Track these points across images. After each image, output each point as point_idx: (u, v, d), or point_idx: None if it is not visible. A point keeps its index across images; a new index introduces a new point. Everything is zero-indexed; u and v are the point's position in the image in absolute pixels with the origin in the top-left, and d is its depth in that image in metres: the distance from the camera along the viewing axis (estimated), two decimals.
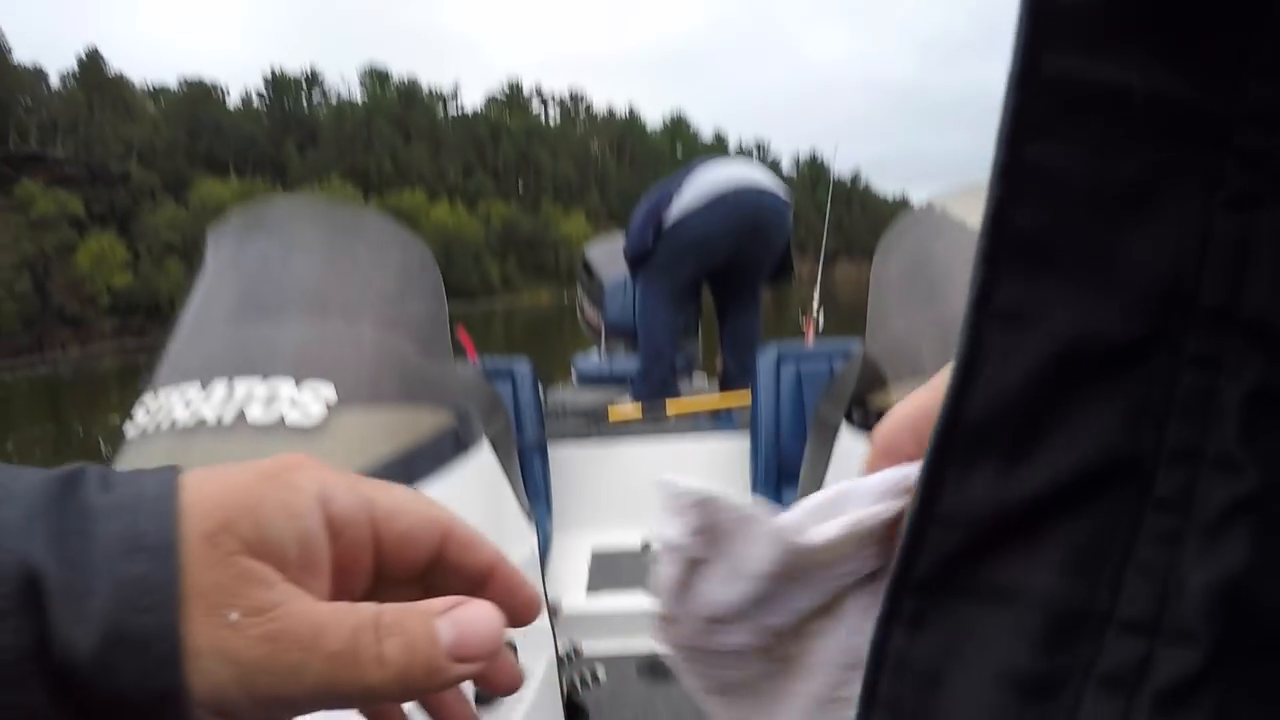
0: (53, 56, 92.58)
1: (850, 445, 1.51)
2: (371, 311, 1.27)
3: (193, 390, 1.07)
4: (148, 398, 1.11)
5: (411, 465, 1.11)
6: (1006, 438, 0.21)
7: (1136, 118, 0.19)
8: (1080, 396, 0.20)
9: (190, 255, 61.57)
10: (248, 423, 1.04)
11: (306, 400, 1.06)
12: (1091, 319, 0.20)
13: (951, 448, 0.21)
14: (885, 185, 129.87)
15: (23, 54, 64.74)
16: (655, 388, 3.37)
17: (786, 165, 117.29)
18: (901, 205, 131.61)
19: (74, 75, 66.12)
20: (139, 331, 53.82)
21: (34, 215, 51.11)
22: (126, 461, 1.06)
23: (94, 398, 20.98)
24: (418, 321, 1.35)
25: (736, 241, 3.20)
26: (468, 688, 0.79)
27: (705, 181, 3.14)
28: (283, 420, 1.04)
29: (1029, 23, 0.19)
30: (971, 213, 1.49)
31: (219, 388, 1.06)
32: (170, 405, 1.08)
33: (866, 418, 1.45)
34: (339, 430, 1.07)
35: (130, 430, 1.10)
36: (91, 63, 66.32)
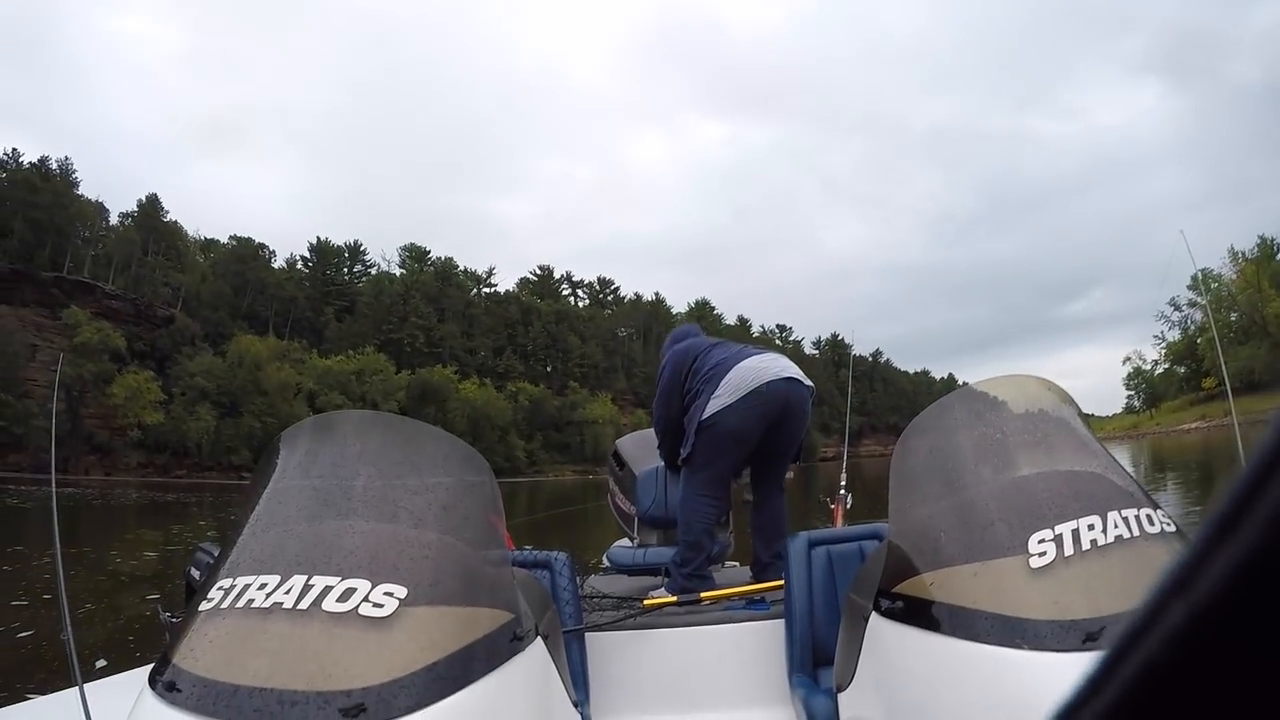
0: (116, 196, 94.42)
1: (881, 631, 1.57)
2: (440, 520, 1.37)
3: (271, 580, 1.15)
4: (223, 582, 1.18)
5: (472, 660, 1.20)
6: None
7: None
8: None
9: (221, 404, 61.27)
10: (323, 610, 1.11)
11: (380, 598, 1.15)
12: None
13: None
14: (905, 363, 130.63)
15: (89, 187, 64.73)
16: (692, 580, 3.30)
17: (808, 347, 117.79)
18: (922, 377, 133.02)
19: (132, 216, 66.96)
20: (163, 469, 53.00)
21: (77, 341, 50.04)
22: (199, 630, 1.13)
23: (112, 525, 21.09)
24: (478, 527, 1.45)
25: (768, 431, 3.28)
26: None
27: (741, 378, 3.22)
28: (356, 611, 1.12)
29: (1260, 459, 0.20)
30: (975, 407, 1.71)
31: (297, 581, 1.14)
32: (246, 590, 1.15)
33: (894, 604, 1.51)
34: (408, 624, 1.14)
35: (203, 605, 1.17)
36: (150, 207, 67.58)
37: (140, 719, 1.07)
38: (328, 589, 1.12)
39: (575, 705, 1.62)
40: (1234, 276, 69.27)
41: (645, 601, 3.04)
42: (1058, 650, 1.18)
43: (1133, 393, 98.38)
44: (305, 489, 1.37)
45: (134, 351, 55.99)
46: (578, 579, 2.78)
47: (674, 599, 3.07)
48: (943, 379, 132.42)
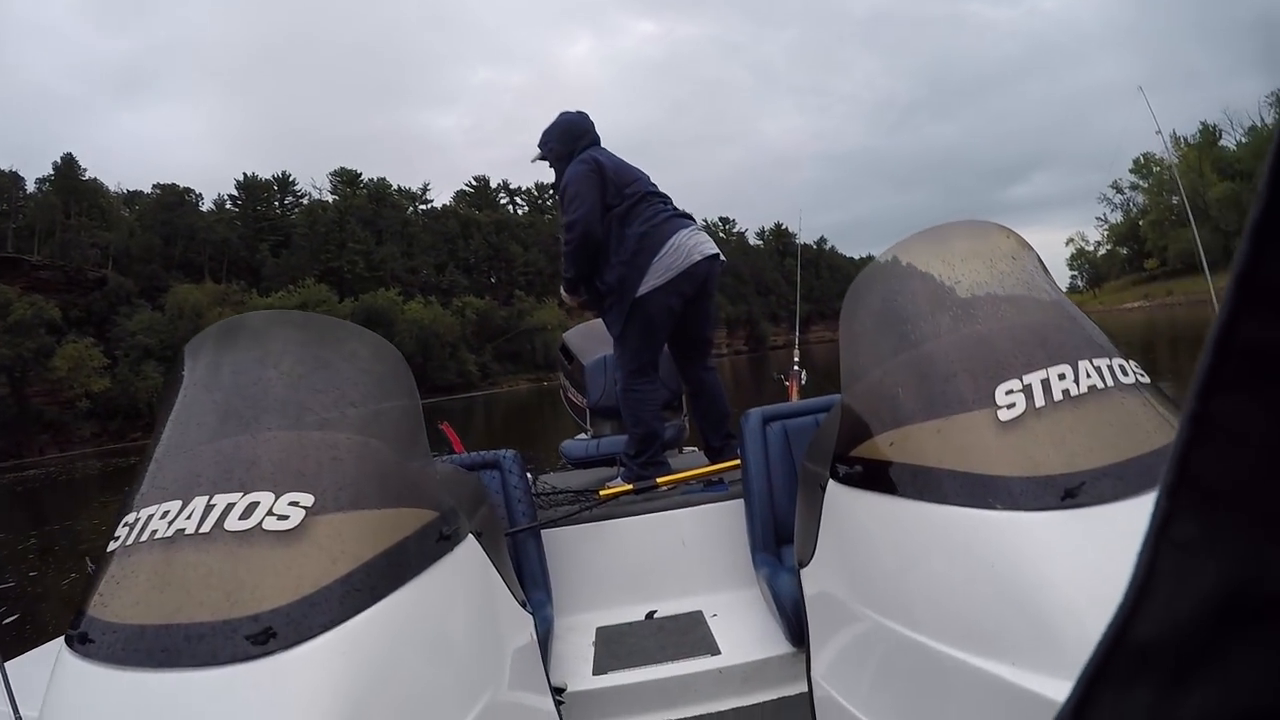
0: (29, 163, 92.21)
1: (840, 499, 1.48)
2: (347, 418, 1.30)
3: (173, 507, 1.09)
4: (129, 517, 1.12)
5: (392, 566, 1.11)
6: (1170, 662, 0.21)
7: None
8: (1246, 635, 0.20)
9: (166, 359, 61.25)
10: (225, 529, 1.04)
11: (284, 509, 1.07)
12: (1262, 564, 0.20)
13: (1114, 663, 0.22)
14: (851, 249, 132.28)
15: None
16: (647, 468, 3.34)
17: (752, 237, 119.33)
18: (868, 263, 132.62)
19: (49, 180, 65.78)
20: (118, 435, 53.17)
21: (11, 320, 50.09)
22: (109, 574, 1.07)
23: (76, 502, 20.74)
24: (393, 423, 1.38)
25: (687, 308, 3.32)
26: None
27: (675, 256, 3.20)
28: (260, 526, 1.05)
29: (1233, 293, 0.20)
30: (927, 257, 1.58)
31: (199, 503, 1.07)
32: (150, 521, 1.09)
33: (852, 470, 1.42)
34: (317, 535, 1.06)
35: (111, 545, 1.11)
36: (67, 168, 66.21)
37: (56, 682, 1.03)
38: (229, 507, 1.06)
39: (523, 605, 1.56)
40: (1176, 161, 71.59)
41: (601, 492, 3.04)
42: (1034, 509, 1.10)
43: (1076, 273, 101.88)
44: (206, 403, 1.29)
45: (70, 320, 55.67)
46: (530, 477, 2.80)
47: (630, 487, 3.07)
48: None
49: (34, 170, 73.23)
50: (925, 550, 1.24)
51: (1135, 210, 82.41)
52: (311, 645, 0.97)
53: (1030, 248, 1.55)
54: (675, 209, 3.38)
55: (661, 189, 3.45)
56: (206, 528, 1.04)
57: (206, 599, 0.99)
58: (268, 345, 1.40)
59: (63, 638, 1.07)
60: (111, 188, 73.57)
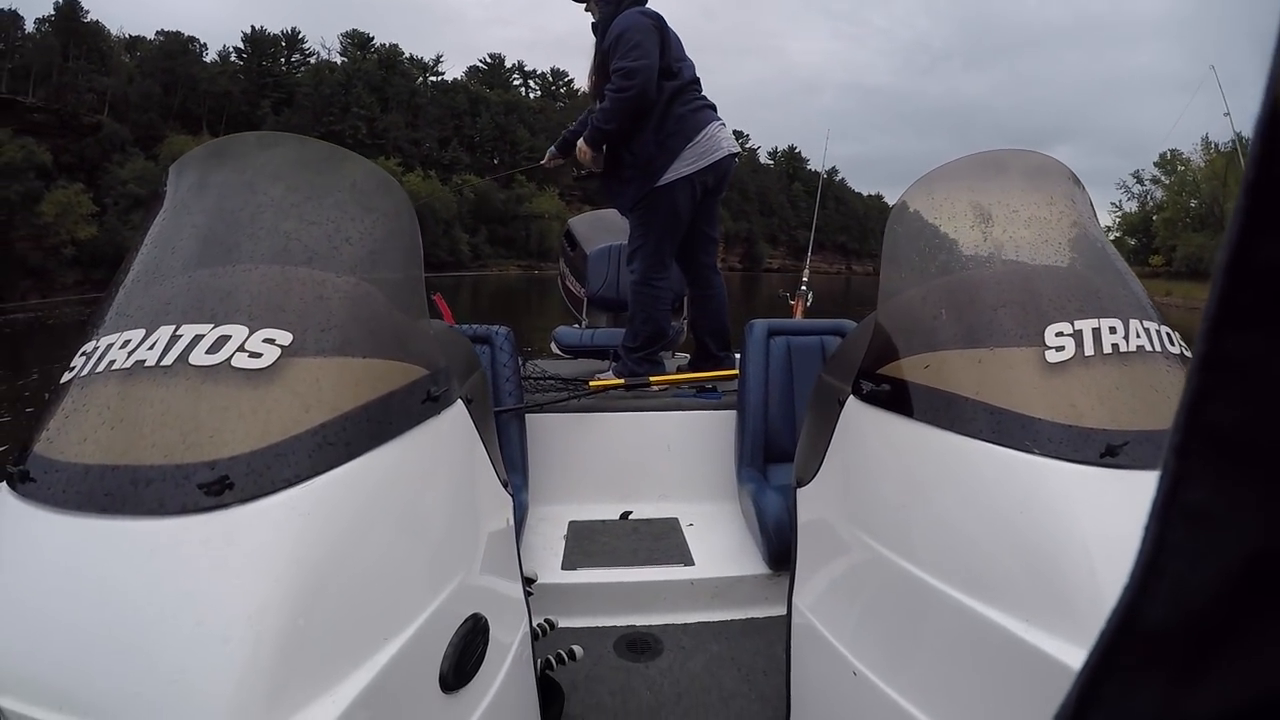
0: (29, 2, 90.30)
1: (858, 418, 1.38)
2: (339, 255, 1.17)
3: (135, 336, 0.99)
4: (87, 346, 1.03)
5: (375, 421, 1.01)
6: (1182, 651, 0.19)
7: None
8: (1267, 613, 0.18)
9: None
10: (189, 363, 0.94)
11: (258, 345, 0.97)
12: None
13: (1121, 654, 0.19)
14: (860, 185, 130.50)
15: None
16: (643, 365, 3.24)
17: (763, 156, 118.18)
18: (876, 201, 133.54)
19: (49, 21, 64.70)
20: (101, 285, 50.35)
21: (0, 162, 50.62)
22: (59, 407, 0.98)
23: (53, 347, 20.45)
24: (390, 267, 1.24)
25: (705, 199, 3.21)
26: (433, 671, 0.99)
27: (709, 145, 3.10)
28: (228, 363, 0.94)
29: (1246, 204, 0.17)
30: (983, 181, 1.47)
31: (164, 333, 0.97)
32: (109, 350, 0.99)
33: (878, 388, 1.32)
34: (291, 377, 0.96)
35: (65, 376, 1.01)
36: (68, 9, 64.94)
37: None
38: (197, 339, 0.95)
39: (504, 485, 1.42)
40: (1202, 165, 69.00)
41: (591, 383, 2.91)
42: (1071, 460, 1.02)
43: None
44: (185, 227, 1.16)
45: (61, 165, 55.46)
46: (519, 360, 2.70)
47: (621, 381, 2.94)
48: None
49: (35, 9, 72.01)
50: (944, 482, 1.16)
51: (1152, 204, 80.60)
52: (271, 501, 0.87)
53: (1086, 192, 1.46)
54: (708, 99, 3.25)
55: None
56: (169, 360, 0.94)
57: (160, 440, 0.88)
58: (260, 168, 1.28)
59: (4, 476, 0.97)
60: (114, 31, 72.24)
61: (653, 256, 3.19)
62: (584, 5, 3.31)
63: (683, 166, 3.07)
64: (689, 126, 3.09)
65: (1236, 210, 0.18)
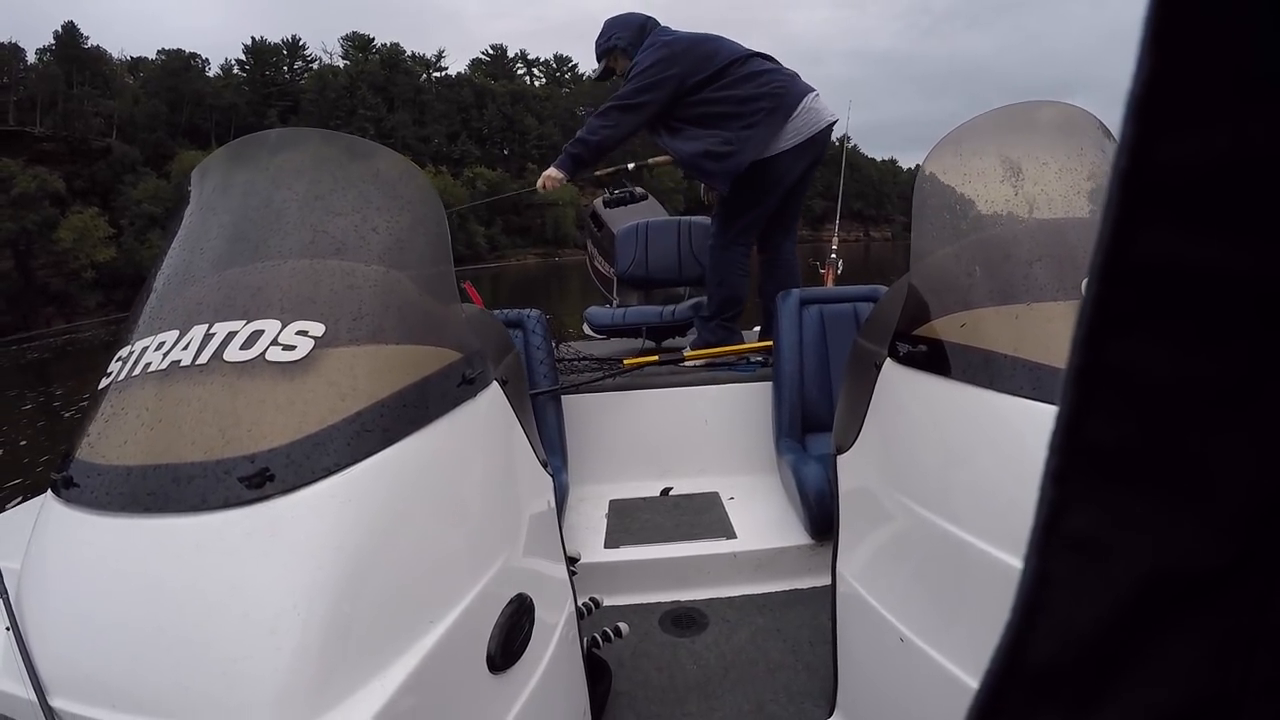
0: (29, 34, 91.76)
1: (896, 381, 1.37)
2: (367, 244, 1.16)
3: (170, 337, 0.99)
4: (122, 352, 1.04)
5: (411, 407, 1.00)
6: (1074, 687, 0.18)
7: (1243, 305, 0.16)
8: (1163, 633, 0.17)
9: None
10: (224, 360, 0.94)
11: (291, 338, 0.97)
12: (1179, 543, 0.17)
13: (1007, 697, 0.18)
14: (873, 150, 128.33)
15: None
16: (723, 332, 3.24)
17: None
18: (889, 166, 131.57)
19: (50, 50, 65.29)
20: (124, 305, 53.01)
21: (14, 193, 51.00)
22: (98, 412, 0.99)
23: (81, 369, 21.29)
24: (418, 254, 1.24)
25: (808, 171, 3.16)
26: (480, 652, 1.00)
27: (808, 120, 3.03)
28: (263, 357, 0.95)
29: (1120, 196, 0.16)
30: (1012, 134, 1.46)
31: (197, 333, 0.98)
32: (144, 354, 1.00)
33: (915, 349, 1.31)
34: (325, 368, 0.96)
35: (103, 382, 1.03)
36: (68, 36, 65.48)
37: (39, 529, 0.96)
38: (230, 336, 0.96)
39: (544, 465, 1.41)
40: None
41: (626, 362, 2.90)
42: None
43: None
44: (211, 228, 1.16)
45: (75, 191, 56.02)
46: (552, 342, 2.70)
47: (655, 359, 2.94)
48: (910, 170, 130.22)
49: (35, 41, 72.90)
50: (984, 442, 1.14)
51: None
52: (312, 490, 0.87)
53: (1115, 141, 1.00)
54: (786, 72, 3.14)
55: None
56: (204, 359, 0.95)
57: (199, 437, 0.89)
58: (282, 164, 1.27)
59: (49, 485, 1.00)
60: (115, 55, 73.14)
61: (740, 222, 3.13)
62: (610, 68, 3.32)
63: (786, 140, 2.99)
64: (786, 103, 3.01)
65: (1108, 204, 0.17)
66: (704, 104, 3.02)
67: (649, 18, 3.27)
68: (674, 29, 3.20)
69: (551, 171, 3.11)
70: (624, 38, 3.19)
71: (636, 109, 2.99)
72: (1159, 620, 0.17)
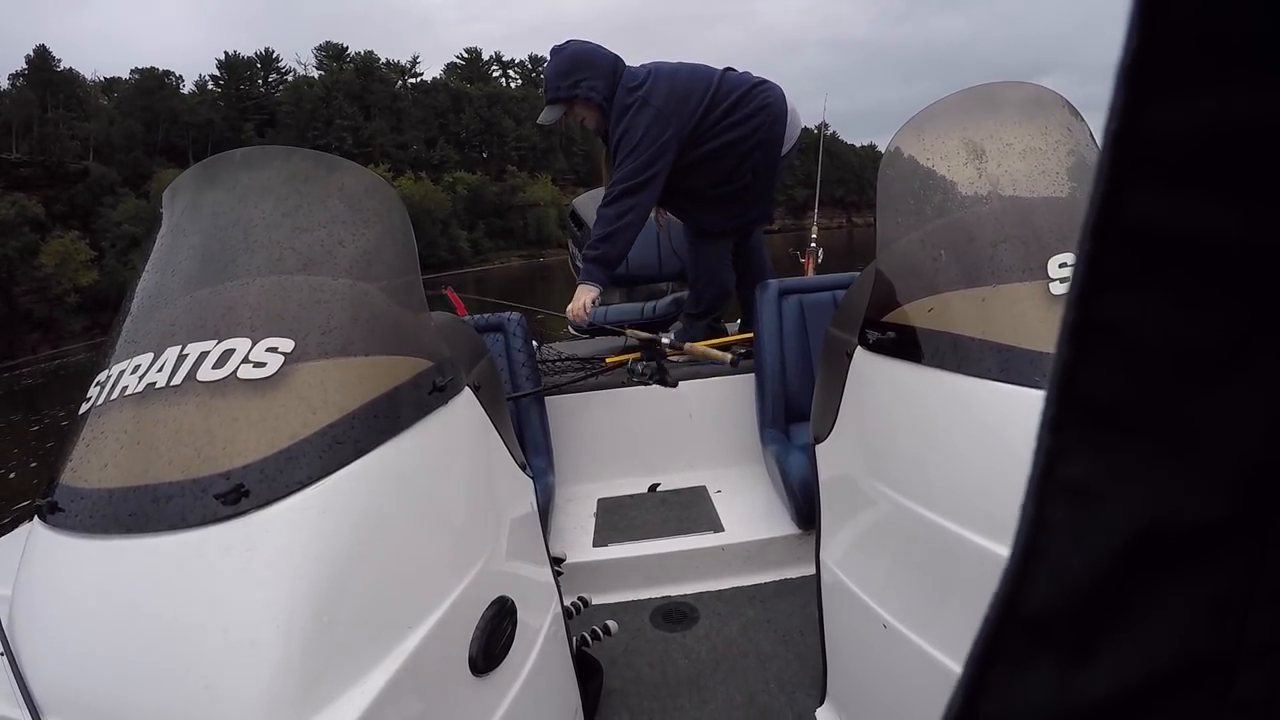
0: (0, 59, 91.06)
1: (867, 369, 1.38)
2: (334, 258, 1.18)
3: (144, 360, 1.02)
4: (100, 376, 1.06)
5: (382, 417, 1.02)
6: (1070, 632, 0.18)
7: (1231, 267, 0.16)
8: (1156, 585, 0.18)
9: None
10: (197, 380, 0.96)
11: (261, 355, 0.99)
12: (1171, 496, 0.17)
13: (1005, 641, 0.19)
14: (853, 136, 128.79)
15: None
16: (709, 332, 3.17)
17: None
18: (870, 151, 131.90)
19: (23, 74, 65.03)
20: (109, 327, 51.71)
21: None
22: (80, 437, 1.01)
23: (69, 392, 20.91)
24: (385, 265, 1.25)
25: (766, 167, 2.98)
26: (462, 655, 1.02)
27: (793, 127, 2.90)
28: (234, 375, 0.97)
29: (1111, 158, 0.17)
30: (975, 116, 1.44)
31: (171, 354, 1.00)
32: (121, 377, 1.02)
33: (884, 336, 1.32)
34: (295, 383, 0.98)
35: (83, 407, 1.05)
36: (40, 60, 65.21)
37: (27, 555, 0.98)
38: (203, 356, 0.98)
39: (523, 468, 1.42)
40: None
41: (608, 360, 2.85)
42: None
43: None
44: (181, 249, 1.18)
45: (54, 215, 55.61)
46: (534, 344, 2.70)
47: (637, 355, 2.76)
48: None
49: (6, 66, 72.53)
50: (956, 426, 1.15)
51: None
52: (287, 504, 0.89)
53: (1083, 119, 1.42)
54: (746, 80, 2.93)
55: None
56: (178, 380, 0.97)
57: (176, 457, 0.91)
58: (249, 183, 1.29)
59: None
60: (89, 76, 72.74)
61: (716, 218, 3.02)
62: (572, 117, 2.90)
63: (786, 145, 2.90)
64: (779, 111, 2.85)
65: (1100, 164, 0.17)
66: (705, 161, 2.82)
67: (617, 57, 2.87)
68: (637, 70, 2.85)
69: (582, 292, 2.72)
70: (598, 90, 2.75)
71: (646, 186, 2.66)
72: (1153, 574, 0.18)
